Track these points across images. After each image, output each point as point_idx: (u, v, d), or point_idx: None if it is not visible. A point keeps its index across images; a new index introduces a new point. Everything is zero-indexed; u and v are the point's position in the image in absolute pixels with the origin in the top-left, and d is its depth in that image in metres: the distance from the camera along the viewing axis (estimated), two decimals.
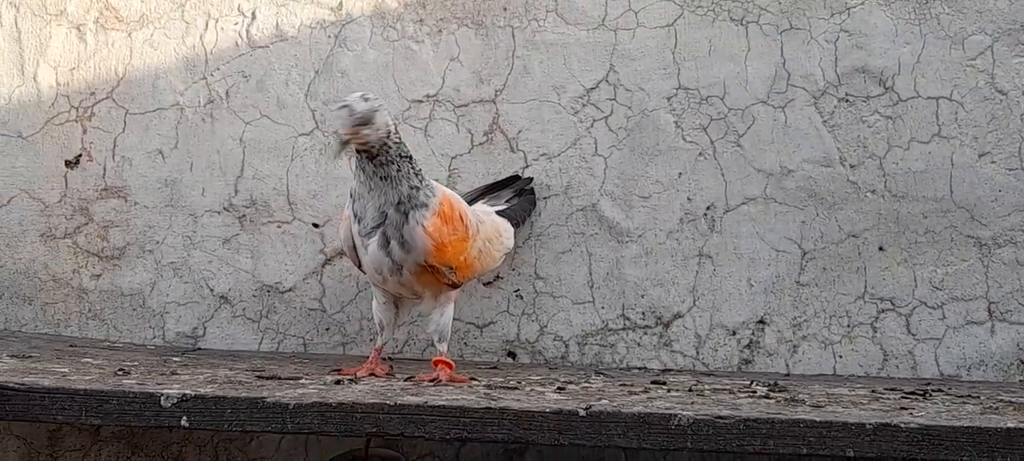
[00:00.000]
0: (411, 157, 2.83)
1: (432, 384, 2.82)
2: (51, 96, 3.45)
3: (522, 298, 3.32)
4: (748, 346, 3.25)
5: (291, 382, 2.78)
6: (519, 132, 3.33)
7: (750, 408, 2.56)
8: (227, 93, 3.40)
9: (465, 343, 3.32)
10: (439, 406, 2.51)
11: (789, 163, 3.25)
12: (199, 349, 3.36)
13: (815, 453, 2.40)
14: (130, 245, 3.42)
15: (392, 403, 2.52)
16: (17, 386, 2.59)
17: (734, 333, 3.26)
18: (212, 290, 3.40)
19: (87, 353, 3.12)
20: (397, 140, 2.81)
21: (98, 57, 3.44)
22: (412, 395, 2.62)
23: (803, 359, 3.25)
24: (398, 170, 2.81)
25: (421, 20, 3.36)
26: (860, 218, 3.23)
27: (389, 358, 3.16)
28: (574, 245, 3.30)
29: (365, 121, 2.75)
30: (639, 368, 3.26)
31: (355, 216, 2.85)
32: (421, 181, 2.84)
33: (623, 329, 3.30)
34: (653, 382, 2.96)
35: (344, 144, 2.76)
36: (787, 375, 3.21)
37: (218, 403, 2.56)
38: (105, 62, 3.44)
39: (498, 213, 3.16)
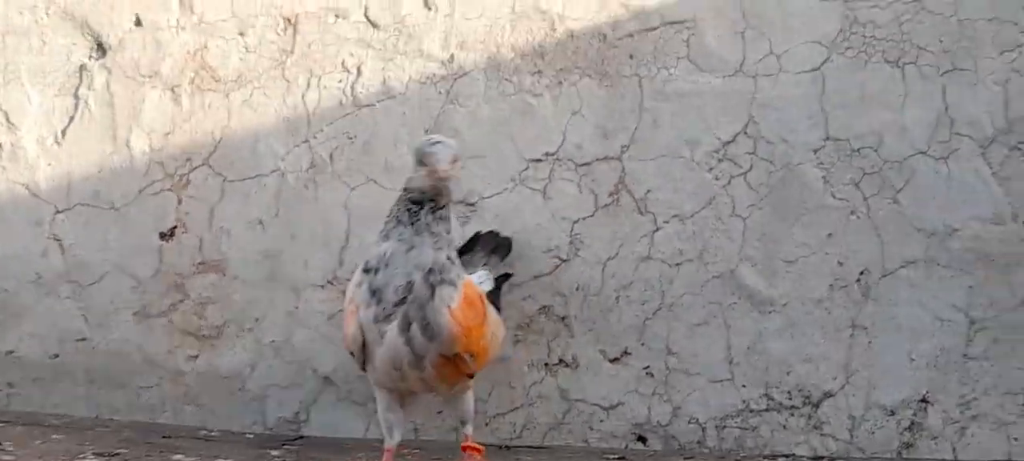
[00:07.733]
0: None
1: None
2: (144, 163, 3.26)
3: (653, 376, 3.06)
4: (909, 428, 3.00)
5: None
6: (648, 192, 3.06)
7: None
8: (331, 156, 3.18)
9: (590, 427, 3.05)
10: None
11: (954, 221, 3.00)
12: (301, 437, 3.13)
13: None
14: (229, 323, 3.22)
15: None
16: None
17: (893, 413, 2.98)
18: (315, 371, 3.17)
19: (179, 447, 2.93)
20: None
21: (193, 120, 3.24)
22: None
23: (972, 442, 2.99)
24: (447, 231, 2.58)
25: (539, 71, 3.10)
26: None
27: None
28: (710, 316, 3.04)
29: (457, 159, 2.57)
30: (785, 455, 3.00)
31: (372, 295, 2.54)
32: (454, 255, 2.59)
33: (767, 410, 3.00)
34: None
35: (440, 181, 2.51)
36: None
37: None
38: (201, 126, 3.24)
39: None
